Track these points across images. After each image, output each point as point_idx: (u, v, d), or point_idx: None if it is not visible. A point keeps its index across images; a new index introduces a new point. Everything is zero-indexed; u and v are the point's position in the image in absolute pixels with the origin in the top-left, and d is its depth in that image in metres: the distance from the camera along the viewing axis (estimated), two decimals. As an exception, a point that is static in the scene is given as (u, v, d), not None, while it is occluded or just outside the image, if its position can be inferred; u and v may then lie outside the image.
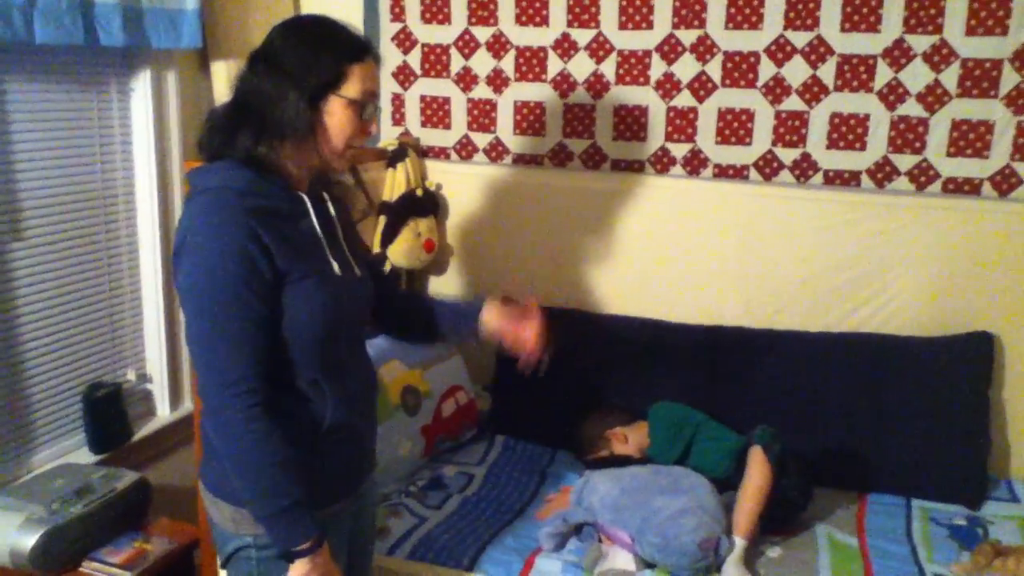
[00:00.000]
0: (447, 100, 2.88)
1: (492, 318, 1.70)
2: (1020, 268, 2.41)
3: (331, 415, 1.49)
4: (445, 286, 2.95)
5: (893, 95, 2.50)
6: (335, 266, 1.49)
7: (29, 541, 1.93)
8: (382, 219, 2.70)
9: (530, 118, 2.81)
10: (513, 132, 2.84)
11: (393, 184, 2.74)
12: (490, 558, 2.02)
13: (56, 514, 1.99)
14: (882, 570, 2.03)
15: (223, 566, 1.56)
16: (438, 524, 2.17)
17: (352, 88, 1.43)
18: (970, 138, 2.48)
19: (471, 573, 1.98)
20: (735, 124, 2.65)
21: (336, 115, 1.43)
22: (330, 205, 1.55)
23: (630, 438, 2.42)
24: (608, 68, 2.69)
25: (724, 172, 2.68)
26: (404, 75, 2.89)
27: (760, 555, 2.07)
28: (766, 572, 2.01)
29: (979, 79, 2.43)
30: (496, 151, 2.87)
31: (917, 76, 2.47)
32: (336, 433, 1.51)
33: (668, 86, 2.66)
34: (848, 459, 2.43)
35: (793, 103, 2.58)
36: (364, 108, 1.45)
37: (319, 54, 1.42)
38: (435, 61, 2.85)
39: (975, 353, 2.43)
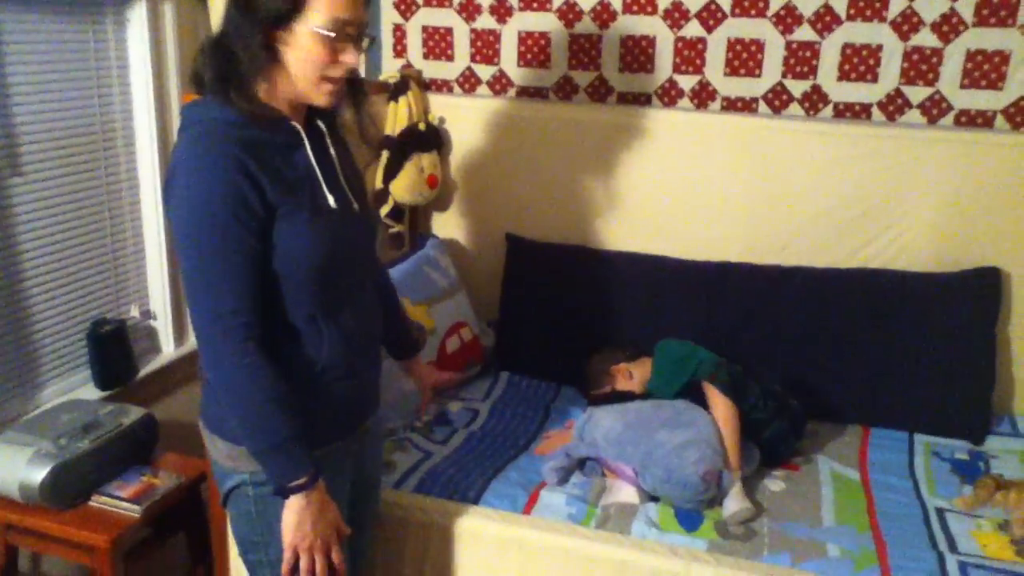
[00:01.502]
0: (449, 31, 2.81)
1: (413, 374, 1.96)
2: (1030, 203, 2.38)
3: (328, 352, 1.48)
4: (448, 222, 2.92)
5: (907, 24, 2.44)
6: (331, 200, 1.45)
7: (39, 476, 1.95)
8: (384, 154, 2.66)
9: (534, 49, 2.75)
10: (517, 64, 2.78)
11: (395, 118, 2.69)
12: (495, 492, 2.04)
13: (64, 449, 2.01)
14: (884, 503, 2.05)
15: (223, 503, 1.57)
16: (444, 458, 2.19)
17: (317, 16, 1.34)
18: (985, 69, 2.42)
19: (476, 506, 1.99)
20: (744, 55, 2.59)
21: (301, 47, 1.37)
22: (328, 138, 1.52)
23: (634, 374, 2.42)
24: (614, -4, 2.62)
25: (733, 105, 2.64)
26: (405, 5, 2.82)
27: (763, 489, 2.09)
28: (769, 505, 2.02)
29: (997, 7, 2.36)
30: (500, 84, 2.82)
31: (932, 4, 2.40)
32: (333, 371, 1.50)
33: (676, 15, 2.59)
34: (853, 394, 2.43)
35: (804, 33, 2.52)
36: (336, 36, 1.36)
37: None
38: (436, -10, 2.78)
39: (982, 289, 2.41)
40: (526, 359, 2.67)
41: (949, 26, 2.41)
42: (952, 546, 1.88)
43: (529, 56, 2.76)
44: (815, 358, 2.46)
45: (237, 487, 1.51)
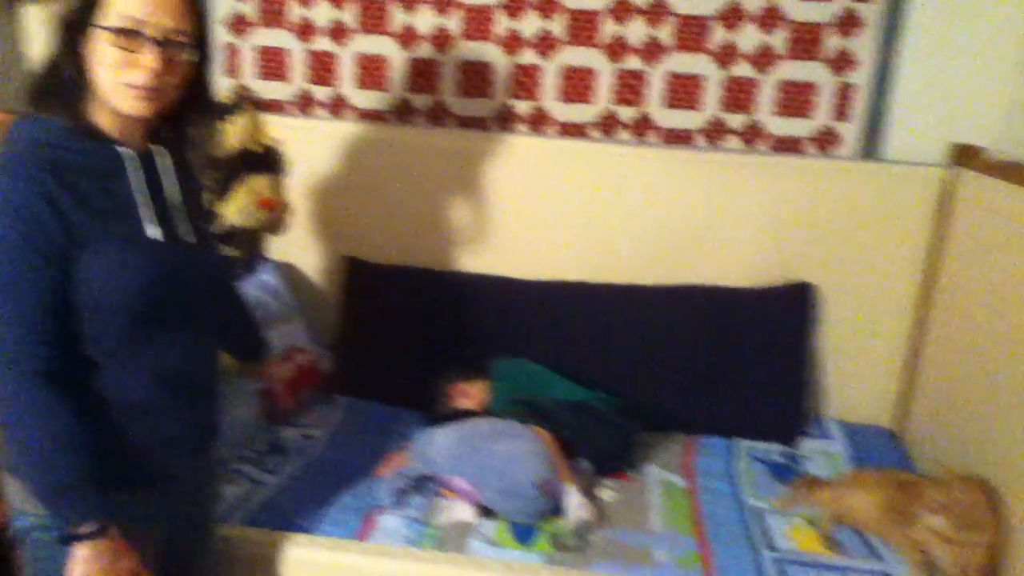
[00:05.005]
0: (285, 51, 2.78)
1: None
2: (837, 222, 2.56)
3: (133, 391, 1.40)
4: (287, 246, 2.86)
5: (726, 55, 2.59)
6: (151, 231, 1.38)
7: None
8: (214, 175, 2.58)
9: (373, 72, 2.75)
10: (356, 86, 2.78)
11: (227, 139, 2.62)
12: (330, 519, 2.00)
13: None
14: (708, 507, 2.14)
15: (16, 547, 1.45)
16: (276, 488, 2.12)
17: (109, 14, 1.28)
18: (795, 98, 2.60)
19: (308, 535, 1.94)
20: (577, 82, 2.68)
21: (97, 50, 1.31)
22: (168, 162, 1.44)
23: (473, 394, 2.44)
24: (452, 22, 2.66)
25: (567, 130, 2.72)
26: (238, 24, 2.77)
27: (595, 499, 2.14)
28: (601, 515, 2.07)
29: (806, 42, 2.54)
30: (338, 106, 2.80)
31: (749, 37, 2.56)
32: (144, 410, 1.42)
33: (512, 43, 2.66)
34: (680, 404, 2.53)
35: (633, 62, 2.63)
36: (129, 36, 1.29)
37: None
38: (271, 9, 2.73)
39: (796, 303, 2.57)
40: (366, 383, 2.64)
41: (764, 58, 2.57)
42: (770, 544, 1.99)
43: (367, 79, 2.76)
44: (646, 372, 2.55)
45: (28, 530, 1.40)
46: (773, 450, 2.46)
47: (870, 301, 2.59)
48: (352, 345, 2.70)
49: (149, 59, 1.32)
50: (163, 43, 1.33)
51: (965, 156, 2.41)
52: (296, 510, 2.02)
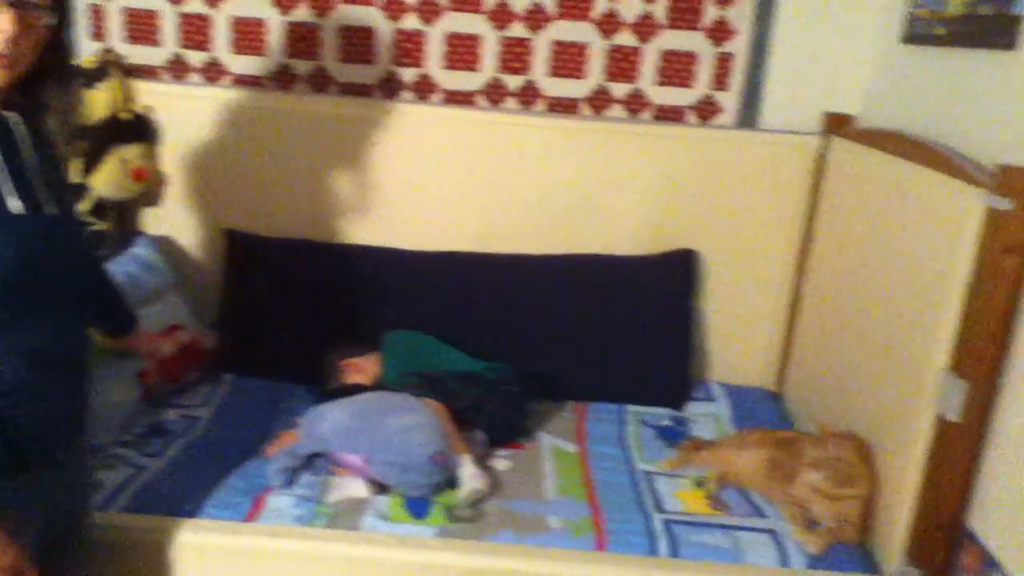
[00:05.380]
0: (154, 14, 2.63)
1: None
2: (719, 190, 2.63)
3: (9, 372, 1.31)
4: (163, 218, 2.73)
5: (609, 24, 2.60)
6: (13, 204, 1.28)
7: None
8: (80, 145, 2.43)
9: (249, 36, 2.64)
10: (231, 51, 2.66)
11: (94, 107, 2.47)
12: (217, 501, 1.94)
13: None
14: (599, 472, 2.19)
15: None
16: (159, 472, 2.04)
17: None
18: (677, 68, 2.64)
19: (194, 519, 1.88)
20: (462, 49, 2.64)
21: None
22: (22, 130, 1.34)
23: (364, 368, 2.40)
24: (331, -15, 2.58)
25: (453, 98, 2.68)
26: (102, -17, 2.61)
27: (490, 469, 2.14)
28: (497, 483, 2.09)
29: (686, 11, 2.57)
30: (213, 71, 2.68)
31: (631, 6, 2.57)
32: (14, 392, 1.33)
33: (394, 7, 2.59)
34: (571, 372, 2.56)
35: (518, 29, 2.61)
36: None
37: None
38: (137, -31, 2.59)
39: (679, 269, 2.64)
40: (252, 360, 2.56)
41: (645, 27, 2.60)
42: (659, 506, 2.05)
43: (244, 43, 2.65)
44: (537, 341, 2.57)
45: None
46: (661, 414, 2.52)
47: (751, 266, 2.68)
48: (236, 321, 2.61)
49: (3, 22, 1.22)
50: (18, 4, 1.24)
51: (836, 125, 2.51)
52: (180, 494, 1.94)
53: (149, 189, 2.65)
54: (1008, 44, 1.78)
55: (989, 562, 1.66)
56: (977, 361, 1.69)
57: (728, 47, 2.59)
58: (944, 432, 1.76)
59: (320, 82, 2.68)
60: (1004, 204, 1.61)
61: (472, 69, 2.65)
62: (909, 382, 1.88)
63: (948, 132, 1.99)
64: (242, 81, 2.68)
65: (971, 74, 1.95)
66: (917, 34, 2.21)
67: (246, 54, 2.66)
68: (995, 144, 1.80)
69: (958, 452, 1.74)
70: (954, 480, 1.75)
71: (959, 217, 1.74)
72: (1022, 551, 1.59)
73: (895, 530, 1.87)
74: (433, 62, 2.65)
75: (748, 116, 2.64)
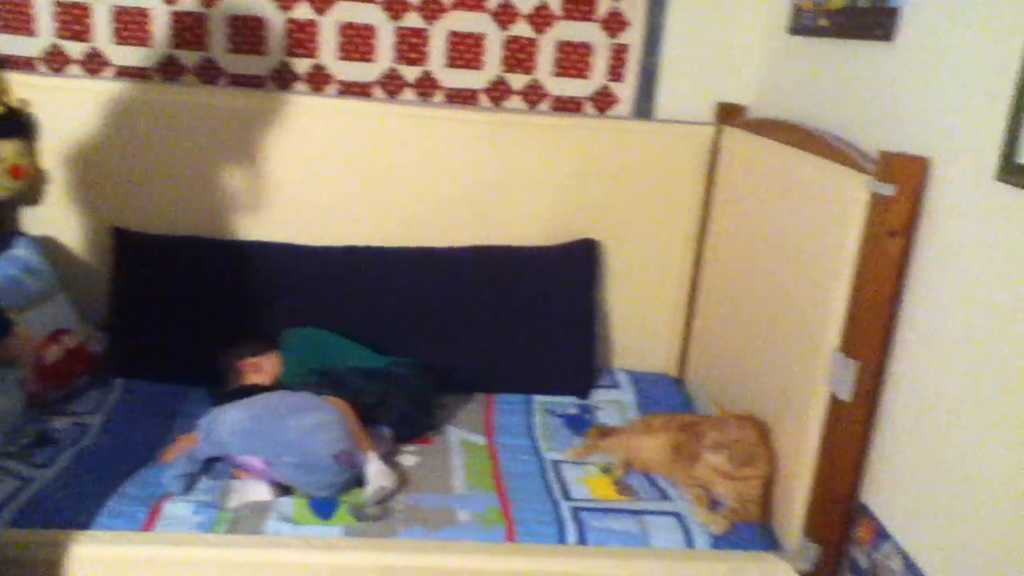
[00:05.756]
0: (27, 2, 2.49)
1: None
2: (617, 180, 2.66)
3: None
4: (44, 218, 2.59)
5: (505, 15, 2.59)
6: None
7: None
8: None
9: (131, 26, 2.52)
10: (113, 41, 2.54)
11: (-38, 100, 2.33)
12: (111, 511, 1.85)
13: None
14: (507, 463, 2.19)
15: None
16: (48, 483, 1.94)
17: None
18: (573, 59, 2.65)
19: (87, 531, 1.79)
20: (356, 39, 2.59)
21: None
22: None
23: (264, 367, 2.34)
24: (217, -28, 2.49)
25: (349, 89, 2.63)
26: (-33, -31, 2.45)
27: (397, 465, 2.12)
28: (405, 479, 2.06)
29: (579, 1, 2.59)
30: (94, 63, 2.55)
31: (526, -3, 2.58)
32: None
33: (285, -4, 2.53)
34: (477, 364, 2.56)
35: (412, 19, 2.58)
36: None
37: None
38: (6, -47, 2.44)
39: (582, 259, 2.66)
40: (144, 363, 2.46)
41: (541, 18, 2.60)
42: (566, 494, 2.06)
43: (126, 33, 2.53)
44: (442, 334, 2.56)
45: None
46: (567, 403, 2.55)
47: (651, 255, 2.72)
48: (126, 323, 2.51)
49: None
50: None
51: (729, 114, 2.58)
52: (72, 505, 1.86)
53: (28, 187, 2.51)
54: (886, 36, 1.86)
55: (882, 534, 1.73)
56: (866, 341, 1.76)
57: (623, 38, 2.63)
58: (837, 411, 1.83)
59: (209, 74, 2.58)
60: (887, 189, 1.68)
61: (368, 60, 2.61)
62: (804, 363, 1.94)
63: (834, 120, 2.07)
64: (126, 73, 2.57)
65: (853, 64, 2.03)
66: (803, 26, 2.28)
67: (129, 44, 2.55)
68: (878, 131, 1.88)
69: (850, 430, 1.81)
70: (847, 457, 1.82)
71: (846, 202, 1.80)
72: (912, 522, 1.67)
73: (794, 507, 1.94)
74: (327, 53, 2.59)
75: (644, 107, 2.68)
